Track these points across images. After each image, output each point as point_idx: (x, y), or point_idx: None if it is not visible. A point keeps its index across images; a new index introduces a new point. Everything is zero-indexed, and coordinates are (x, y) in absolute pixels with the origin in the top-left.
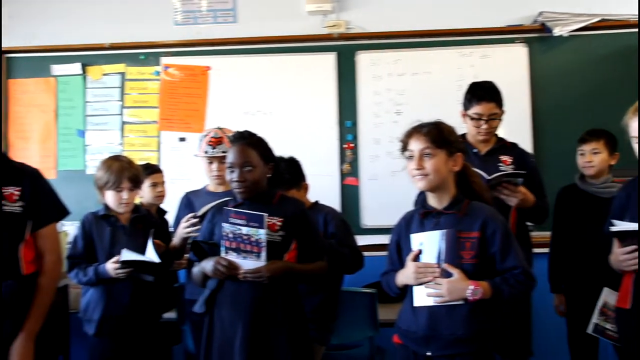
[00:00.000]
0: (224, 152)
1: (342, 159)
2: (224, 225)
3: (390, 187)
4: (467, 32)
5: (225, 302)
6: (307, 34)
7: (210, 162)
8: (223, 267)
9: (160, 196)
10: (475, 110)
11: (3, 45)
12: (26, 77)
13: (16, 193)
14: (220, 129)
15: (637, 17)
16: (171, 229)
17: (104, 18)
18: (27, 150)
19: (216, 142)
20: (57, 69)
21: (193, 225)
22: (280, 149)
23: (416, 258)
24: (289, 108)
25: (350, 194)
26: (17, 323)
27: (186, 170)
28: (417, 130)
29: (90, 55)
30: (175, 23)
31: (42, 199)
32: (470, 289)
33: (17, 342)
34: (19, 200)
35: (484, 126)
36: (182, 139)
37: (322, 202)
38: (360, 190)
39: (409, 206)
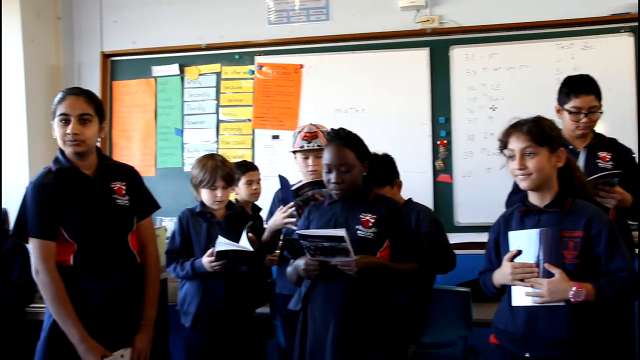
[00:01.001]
0: (319, 145)
1: (435, 156)
2: (304, 242)
3: (485, 184)
4: (567, 22)
5: (318, 299)
6: (399, 30)
7: (306, 157)
8: (314, 268)
9: (256, 193)
10: (573, 103)
11: (108, 49)
12: (128, 78)
13: (123, 188)
14: (313, 124)
15: (638, 16)
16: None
17: (200, 20)
18: (129, 148)
19: (311, 136)
20: (156, 70)
21: (291, 215)
22: (373, 146)
23: (513, 257)
24: (381, 105)
25: (443, 191)
26: (137, 310)
27: (279, 167)
28: (517, 128)
29: (188, 56)
30: (268, 22)
31: (142, 194)
32: (573, 291)
33: (140, 331)
34: (126, 195)
35: (584, 120)
36: (276, 137)
37: (415, 199)
38: (454, 188)
39: (504, 203)
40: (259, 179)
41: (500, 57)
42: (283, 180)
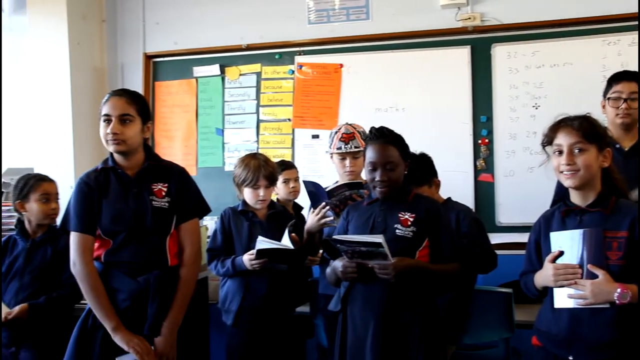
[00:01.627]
0: (356, 147)
1: (477, 155)
2: (341, 247)
3: (527, 183)
4: (614, 18)
5: (357, 300)
6: (440, 28)
7: (343, 158)
8: (352, 270)
9: (294, 192)
10: (614, 89)
11: (150, 51)
12: (170, 79)
13: (164, 189)
14: (349, 124)
15: (637, 16)
16: None
17: (240, 20)
18: (170, 148)
19: (348, 137)
20: (198, 70)
21: (325, 215)
22: (413, 145)
23: (555, 259)
24: (421, 104)
25: (484, 190)
26: (162, 311)
27: (319, 166)
28: (567, 123)
29: (228, 57)
30: (308, 22)
31: (186, 196)
32: (618, 292)
33: (162, 334)
34: (166, 196)
35: (623, 106)
36: (316, 136)
37: (455, 199)
38: (496, 187)
39: (547, 203)
40: (297, 177)
41: (543, 54)
42: (309, 185)
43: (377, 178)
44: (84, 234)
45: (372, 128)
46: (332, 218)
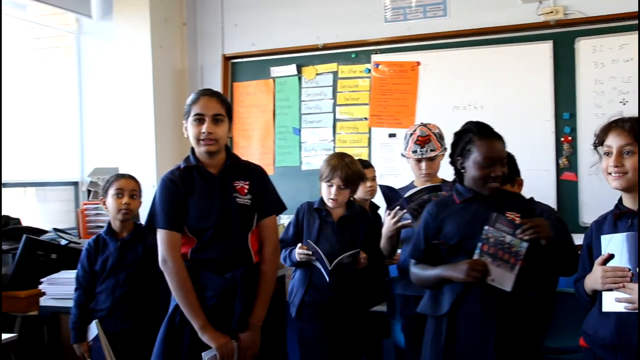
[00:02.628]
0: (432, 150)
1: (559, 153)
2: (488, 228)
3: None
4: None
5: (473, 303)
6: (521, 23)
7: (419, 160)
8: (481, 269)
9: (371, 191)
10: None
11: (228, 52)
12: (248, 79)
13: (246, 187)
14: (424, 125)
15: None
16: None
17: (316, 20)
18: (248, 148)
19: (424, 140)
20: (275, 70)
21: (400, 218)
22: None
23: (605, 262)
24: (501, 101)
25: (567, 189)
26: (248, 306)
27: (396, 165)
28: (619, 124)
29: (305, 57)
30: (385, 20)
31: (265, 193)
32: None
33: (248, 329)
34: (248, 193)
35: None
36: (392, 135)
37: (536, 198)
38: (579, 186)
39: None
40: (374, 177)
41: (632, 47)
42: (386, 190)
43: (494, 174)
44: (173, 231)
45: (474, 123)
46: (409, 221)
